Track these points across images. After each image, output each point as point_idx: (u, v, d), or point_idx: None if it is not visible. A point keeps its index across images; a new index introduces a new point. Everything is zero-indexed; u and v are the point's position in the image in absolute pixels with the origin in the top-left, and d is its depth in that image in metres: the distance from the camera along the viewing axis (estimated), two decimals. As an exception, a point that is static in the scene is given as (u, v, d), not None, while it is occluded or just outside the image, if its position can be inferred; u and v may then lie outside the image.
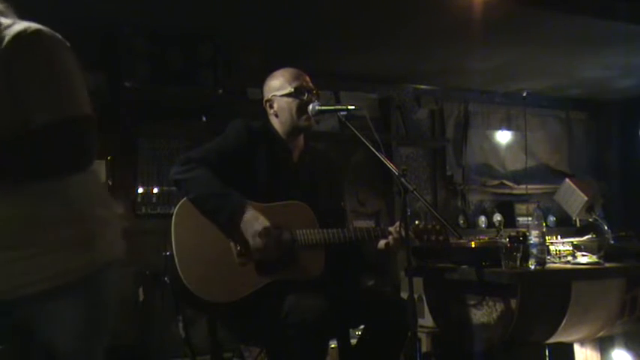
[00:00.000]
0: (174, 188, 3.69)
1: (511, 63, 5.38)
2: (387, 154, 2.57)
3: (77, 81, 1.66)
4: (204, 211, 2.46)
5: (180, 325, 3.44)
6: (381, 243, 2.73)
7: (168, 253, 2.47)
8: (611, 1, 4.30)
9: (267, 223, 2.43)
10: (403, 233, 2.46)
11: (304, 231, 2.56)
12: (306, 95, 2.67)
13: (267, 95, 2.74)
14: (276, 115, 2.71)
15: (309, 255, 2.56)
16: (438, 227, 2.73)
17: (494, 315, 3.10)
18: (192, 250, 2.44)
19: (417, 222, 2.73)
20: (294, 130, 2.71)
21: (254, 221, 2.42)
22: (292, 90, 2.67)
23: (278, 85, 2.71)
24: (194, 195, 2.47)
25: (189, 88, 4.63)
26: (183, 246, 2.43)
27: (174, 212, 2.49)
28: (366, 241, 2.68)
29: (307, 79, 2.72)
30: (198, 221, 2.46)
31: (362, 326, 2.72)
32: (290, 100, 2.67)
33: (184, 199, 2.50)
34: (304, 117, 2.67)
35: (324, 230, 2.59)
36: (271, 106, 2.72)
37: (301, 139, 2.77)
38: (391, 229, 2.68)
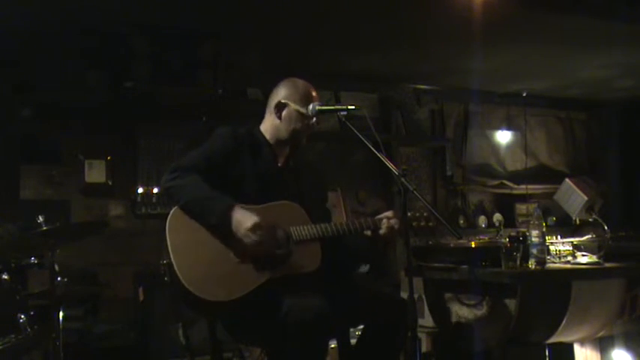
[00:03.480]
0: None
1: (511, 63, 5.38)
2: (387, 154, 2.56)
3: None
4: (195, 216, 2.48)
5: (180, 331, 3.44)
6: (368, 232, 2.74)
7: (165, 261, 2.48)
8: (611, 1, 4.30)
9: (256, 219, 2.44)
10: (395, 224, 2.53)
11: (298, 227, 2.58)
12: (314, 118, 2.69)
13: (281, 99, 2.70)
14: (280, 119, 2.70)
15: (305, 250, 2.57)
16: (425, 214, 2.75)
17: (494, 315, 3.11)
18: (189, 253, 2.44)
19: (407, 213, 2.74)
20: (289, 140, 2.72)
21: (243, 219, 2.44)
22: (309, 112, 2.67)
23: (298, 98, 2.69)
24: (184, 201, 2.48)
25: (189, 88, 4.63)
26: (180, 250, 2.44)
27: (168, 220, 2.50)
28: (358, 233, 2.69)
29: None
30: (192, 225, 2.47)
31: (362, 326, 2.73)
32: (303, 119, 2.68)
33: (176, 207, 2.51)
34: (305, 138, 2.71)
35: (317, 225, 2.61)
36: (280, 110, 2.70)
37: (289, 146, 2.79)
38: (383, 216, 2.69)
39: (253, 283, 2.46)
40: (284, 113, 2.69)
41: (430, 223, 2.77)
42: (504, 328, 3.05)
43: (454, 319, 3.36)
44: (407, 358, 2.58)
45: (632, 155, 6.70)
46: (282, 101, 2.70)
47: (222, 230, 2.46)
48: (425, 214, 2.76)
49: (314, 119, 2.69)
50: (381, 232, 2.66)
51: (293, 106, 2.68)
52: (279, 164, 2.74)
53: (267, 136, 2.73)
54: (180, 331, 3.45)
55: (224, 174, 2.58)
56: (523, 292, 2.96)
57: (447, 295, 3.40)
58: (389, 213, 2.69)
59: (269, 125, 2.74)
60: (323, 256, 2.59)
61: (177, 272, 2.39)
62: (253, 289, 2.45)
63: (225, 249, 2.48)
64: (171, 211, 2.51)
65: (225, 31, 4.50)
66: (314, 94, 2.72)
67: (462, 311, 3.29)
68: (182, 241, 2.45)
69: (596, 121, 7.16)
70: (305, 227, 2.59)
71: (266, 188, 2.63)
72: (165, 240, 2.45)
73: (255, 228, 2.42)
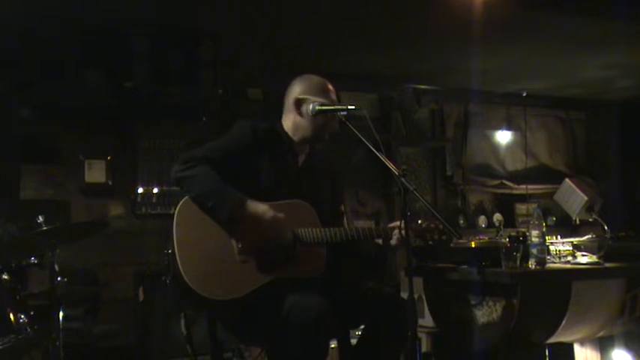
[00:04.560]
0: (174, 188, 3.67)
1: (511, 63, 5.38)
2: (387, 154, 2.56)
3: None
4: (205, 209, 2.46)
5: (183, 322, 3.43)
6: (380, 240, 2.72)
7: (169, 251, 2.47)
8: (611, 1, 4.30)
9: (271, 213, 2.43)
10: (403, 233, 2.47)
11: (306, 229, 2.56)
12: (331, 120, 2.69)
13: (299, 95, 2.68)
14: (301, 115, 2.67)
15: (311, 253, 2.56)
16: (440, 227, 2.73)
17: (495, 315, 3.10)
18: (193, 247, 2.44)
19: (419, 221, 2.72)
20: (311, 138, 2.70)
21: (258, 214, 2.43)
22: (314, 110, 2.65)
23: (315, 91, 2.68)
24: (195, 193, 2.46)
25: (189, 88, 4.63)
26: (185, 244, 2.43)
27: (176, 210, 2.49)
28: (367, 240, 2.68)
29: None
30: (200, 219, 2.46)
31: (362, 326, 2.72)
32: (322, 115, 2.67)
33: (186, 197, 2.50)
34: (327, 133, 2.69)
35: (326, 229, 2.59)
36: (300, 106, 2.67)
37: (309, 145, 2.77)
38: (394, 225, 2.68)
39: (254, 284, 2.45)
40: (303, 109, 2.67)
41: (444, 237, 2.74)
42: (504, 328, 3.04)
43: (454, 319, 3.35)
44: (407, 358, 2.58)
45: (632, 155, 6.69)
46: (300, 97, 2.67)
47: (231, 226, 2.44)
48: (440, 226, 2.72)
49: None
50: (392, 242, 2.66)
51: (312, 99, 2.66)
52: (298, 163, 2.72)
53: (290, 133, 2.70)
54: (182, 322, 3.44)
55: (239, 168, 2.56)
56: (523, 292, 2.96)
57: (447, 296, 3.39)
58: (399, 223, 2.67)
59: (290, 123, 2.71)
60: (328, 260, 2.58)
61: (180, 266, 2.39)
62: (253, 289, 2.44)
63: (230, 247, 2.47)
64: (180, 203, 2.50)
65: (226, 31, 4.50)
66: (330, 86, 2.73)
67: (462, 311, 3.29)
68: (188, 236, 2.45)
69: (596, 121, 7.15)
70: (314, 230, 2.57)
71: (282, 186, 2.62)
72: (172, 231, 2.45)
73: (274, 220, 2.42)
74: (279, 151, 2.66)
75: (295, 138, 2.70)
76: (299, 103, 2.67)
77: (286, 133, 2.70)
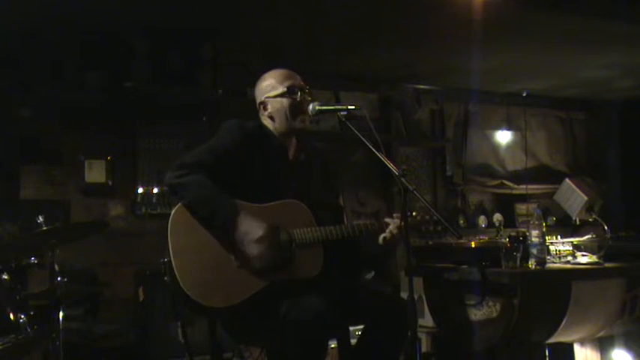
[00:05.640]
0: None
1: (511, 63, 5.38)
2: (387, 154, 2.55)
3: None
4: (199, 217, 2.45)
5: (180, 331, 3.44)
6: (380, 238, 2.72)
7: (166, 260, 2.46)
8: (611, 1, 4.30)
9: (261, 233, 2.41)
10: (403, 231, 2.47)
11: (302, 230, 2.54)
12: (299, 94, 2.64)
13: (260, 98, 2.70)
14: (271, 117, 2.68)
15: (308, 254, 2.54)
16: (434, 217, 2.72)
17: (495, 315, 3.10)
18: (189, 255, 2.42)
19: (414, 213, 2.72)
20: (289, 131, 2.68)
21: (249, 230, 2.41)
22: (285, 89, 2.64)
23: (270, 87, 2.68)
24: (188, 200, 2.45)
25: (189, 88, 4.64)
26: (181, 252, 2.41)
27: (170, 218, 2.46)
28: (364, 236, 2.67)
29: (299, 77, 2.70)
30: (194, 226, 2.44)
31: (362, 326, 2.72)
32: (284, 100, 2.64)
33: (178, 205, 2.47)
34: (299, 118, 2.64)
35: (322, 228, 2.57)
36: (265, 109, 2.69)
37: (295, 137, 2.75)
38: (391, 220, 2.67)
39: (252, 289, 2.43)
40: (269, 109, 2.67)
41: (439, 227, 2.74)
42: (504, 328, 3.04)
43: (454, 319, 3.35)
44: (407, 358, 2.58)
45: (632, 155, 6.69)
46: (262, 100, 2.69)
47: (225, 233, 2.44)
48: (435, 218, 2.72)
49: (299, 93, 2.63)
50: (387, 235, 2.65)
51: (271, 95, 2.66)
52: (289, 157, 2.71)
53: (272, 130, 2.69)
54: (179, 330, 3.45)
55: (232, 169, 2.54)
56: (523, 292, 2.96)
57: (447, 295, 3.40)
58: (397, 216, 2.66)
59: (267, 122, 2.71)
60: (325, 260, 2.58)
61: (177, 275, 2.37)
62: (252, 294, 2.43)
63: (226, 253, 2.45)
64: (174, 210, 2.48)
65: (225, 30, 4.50)
66: (285, 71, 2.70)
67: (462, 311, 3.29)
68: (183, 244, 2.43)
69: (596, 121, 7.16)
70: (309, 230, 2.55)
71: (275, 183, 2.60)
72: (167, 240, 2.43)
73: (260, 241, 2.41)
74: (268, 146, 2.64)
75: (278, 134, 2.69)
76: (264, 107, 2.69)
77: (271, 130, 2.70)
